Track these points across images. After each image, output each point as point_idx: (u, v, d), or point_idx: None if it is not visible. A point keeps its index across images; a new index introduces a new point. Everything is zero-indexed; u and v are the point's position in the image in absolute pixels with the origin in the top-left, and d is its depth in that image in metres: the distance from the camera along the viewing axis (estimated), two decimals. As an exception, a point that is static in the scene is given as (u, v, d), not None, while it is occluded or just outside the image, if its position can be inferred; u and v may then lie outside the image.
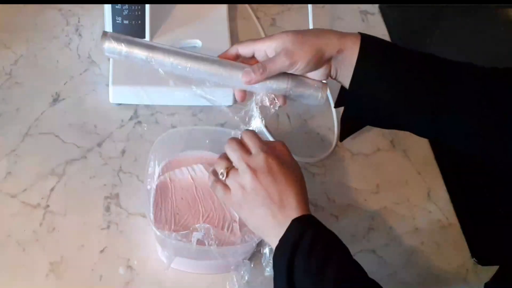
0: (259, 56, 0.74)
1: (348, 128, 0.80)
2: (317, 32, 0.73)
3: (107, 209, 0.84)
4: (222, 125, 0.94)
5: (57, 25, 1.04)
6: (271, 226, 0.67)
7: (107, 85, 0.94)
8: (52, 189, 0.85)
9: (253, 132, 0.72)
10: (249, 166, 0.68)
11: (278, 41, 0.72)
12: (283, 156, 0.71)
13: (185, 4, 1.04)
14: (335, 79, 0.76)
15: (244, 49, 0.75)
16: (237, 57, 0.75)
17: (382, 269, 0.84)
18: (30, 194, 0.84)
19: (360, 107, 0.74)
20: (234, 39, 1.06)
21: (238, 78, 0.73)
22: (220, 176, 0.70)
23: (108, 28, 0.94)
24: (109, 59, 0.96)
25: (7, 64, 0.97)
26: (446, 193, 0.93)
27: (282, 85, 0.74)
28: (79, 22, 1.05)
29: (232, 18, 1.09)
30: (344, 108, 0.76)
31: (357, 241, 0.86)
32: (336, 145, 0.96)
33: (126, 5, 0.91)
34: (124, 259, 0.80)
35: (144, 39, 0.78)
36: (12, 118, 0.91)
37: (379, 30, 1.14)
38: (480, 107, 0.71)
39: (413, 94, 0.72)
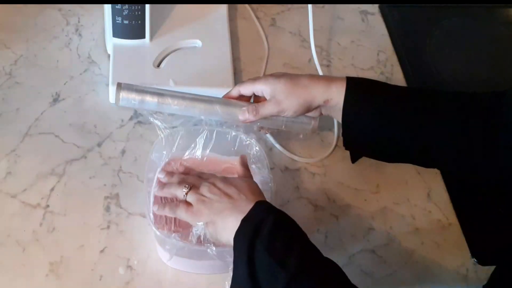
0: (258, 93, 0.83)
1: (355, 153, 0.86)
2: (307, 82, 0.81)
3: (107, 209, 0.84)
4: (222, 125, 0.94)
5: (57, 25, 1.04)
6: (229, 216, 0.70)
7: (107, 85, 0.94)
8: (52, 189, 0.85)
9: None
10: (207, 180, 0.75)
11: (271, 87, 0.81)
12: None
13: (185, 4, 1.04)
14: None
15: (245, 90, 0.84)
16: (240, 97, 0.85)
17: (382, 269, 0.84)
18: (30, 194, 0.84)
19: (356, 142, 0.82)
20: (234, 39, 1.06)
21: (237, 116, 0.83)
22: (184, 191, 0.75)
23: (108, 28, 0.95)
24: (109, 58, 0.96)
25: (7, 64, 0.97)
26: (446, 193, 0.93)
27: (277, 122, 0.85)
28: (79, 22, 1.05)
29: (232, 18, 1.09)
30: (343, 141, 0.82)
31: (357, 241, 0.86)
32: (336, 145, 0.96)
33: (126, 5, 0.91)
34: (124, 259, 0.80)
35: (153, 86, 0.85)
36: (12, 118, 0.91)
37: (379, 30, 1.14)
38: (464, 129, 0.75)
39: (399, 128, 0.78)
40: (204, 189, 0.74)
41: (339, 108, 0.79)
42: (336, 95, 0.79)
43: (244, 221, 0.68)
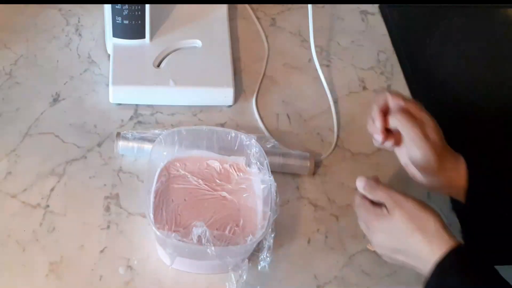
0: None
1: None
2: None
3: (107, 209, 0.84)
4: (222, 125, 0.94)
5: (57, 25, 1.04)
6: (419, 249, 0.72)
7: (107, 85, 0.94)
8: (52, 189, 0.85)
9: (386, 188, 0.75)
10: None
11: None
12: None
13: (185, 4, 1.04)
14: None
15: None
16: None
17: (382, 269, 0.84)
18: (30, 194, 0.84)
19: None
20: (234, 39, 1.06)
21: None
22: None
23: (108, 28, 0.95)
24: (109, 58, 0.96)
25: (7, 64, 0.97)
26: (446, 193, 0.93)
27: (273, 164, 0.85)
28: (79, 22, 1.05)
29: (232, 18, 1.09)
30: None
31: (357, 241, 0.86)
32: (336, 145, 0.96)
33: (126, 5, 0.91)
34: (124, 259, 0.80)
35: (149, 133, 0.88)
36: (12, 118, 0.91)
37: (379, 30, 1.14)
38: None
39: None
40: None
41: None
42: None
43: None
